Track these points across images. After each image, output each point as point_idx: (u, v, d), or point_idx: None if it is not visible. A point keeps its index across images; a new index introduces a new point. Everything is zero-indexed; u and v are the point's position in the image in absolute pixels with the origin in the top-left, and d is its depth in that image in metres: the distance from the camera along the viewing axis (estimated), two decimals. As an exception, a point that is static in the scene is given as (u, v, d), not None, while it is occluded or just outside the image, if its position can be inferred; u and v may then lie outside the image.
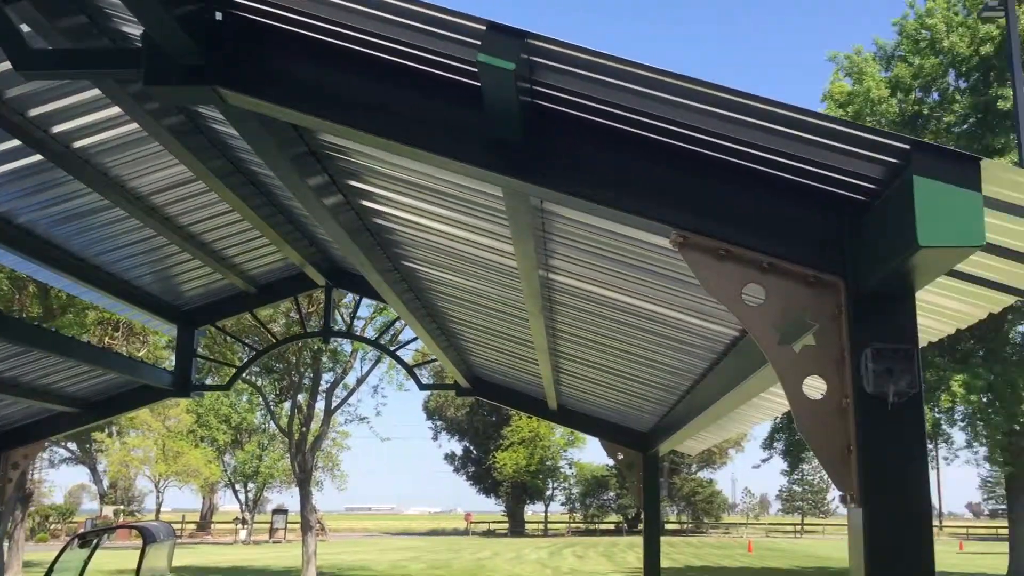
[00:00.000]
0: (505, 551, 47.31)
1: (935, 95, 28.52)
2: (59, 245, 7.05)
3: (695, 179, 3.00)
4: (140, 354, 22.77)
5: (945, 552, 53.89)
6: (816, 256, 2.86)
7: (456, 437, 75.69)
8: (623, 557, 42.51)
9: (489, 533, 73.70)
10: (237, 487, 59.94)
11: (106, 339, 24.13)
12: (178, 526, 60.28)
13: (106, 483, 59.03)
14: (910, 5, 29.21)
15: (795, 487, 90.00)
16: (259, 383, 27.51)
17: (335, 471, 53.06)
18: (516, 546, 53.02)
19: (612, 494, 74.37)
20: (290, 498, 69.13)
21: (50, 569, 9.81)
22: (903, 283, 2.66)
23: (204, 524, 69.32)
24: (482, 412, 70.04)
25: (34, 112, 5.15)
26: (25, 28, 3.74)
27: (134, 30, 4.12)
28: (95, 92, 4.84)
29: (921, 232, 2.32)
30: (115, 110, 5.08)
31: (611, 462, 10.91)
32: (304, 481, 25.73)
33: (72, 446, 49.98)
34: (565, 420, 10.78)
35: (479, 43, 2.74)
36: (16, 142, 5.31)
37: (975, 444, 30.70)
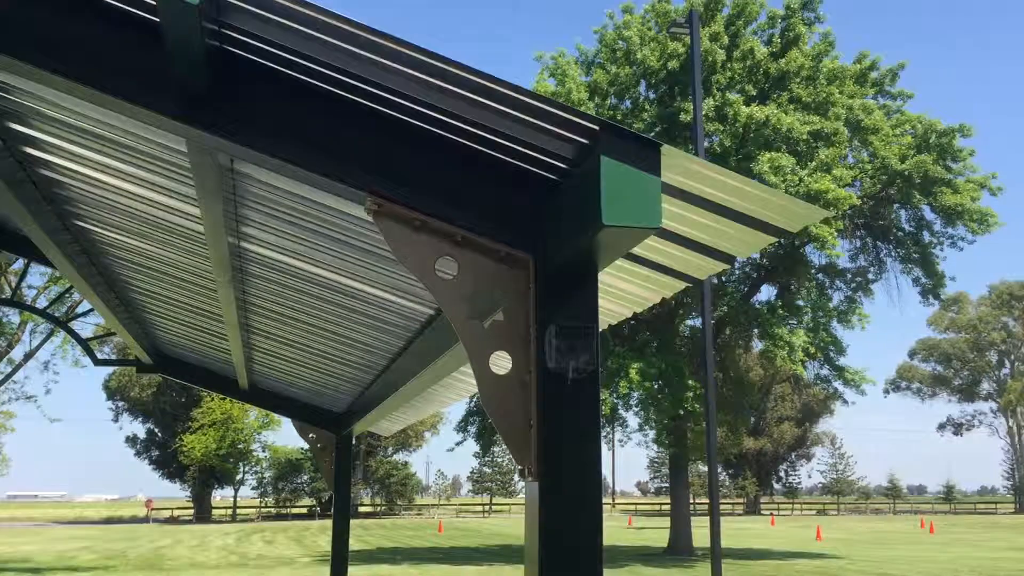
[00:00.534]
0: (188, 538, 45.09)
1: (627, 103, 30.72)
2: None
3: (393, 145, 2.90)
4: None
5: (616, 527, 58.60)
6: (508, 232, 2.87)
7: (140, 419, 71.12)
8: (314, 541, 42.05)
9: (172, 520, 69.97)
10: None
11: None
12: None
13: None
14: (610, 16, 31.26)
15: (485, 469, 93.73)
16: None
17: (-5, 455, 47.85)
18: (201, 533, 50.73)
19: (306, 477, 73.37)
20: (-62, 486, 61.53)
21: None
22: (587, 262, 2.72)
23: None
24: (171, 392, 66.32)
25: None
26: None
27: None
28: None
29: (605, 211, 2.37)
30: None
31: (307, 445, 10.69)
32: (-46, 467, 22.95)
33: None
34: (256, 400, 10.39)
35: (158, -30, 2.45)
36: None
37: (646, 427, 33.57)
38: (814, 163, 27.22)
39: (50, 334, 24.27)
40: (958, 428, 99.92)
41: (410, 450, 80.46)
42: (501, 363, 2.86)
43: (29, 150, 4.80)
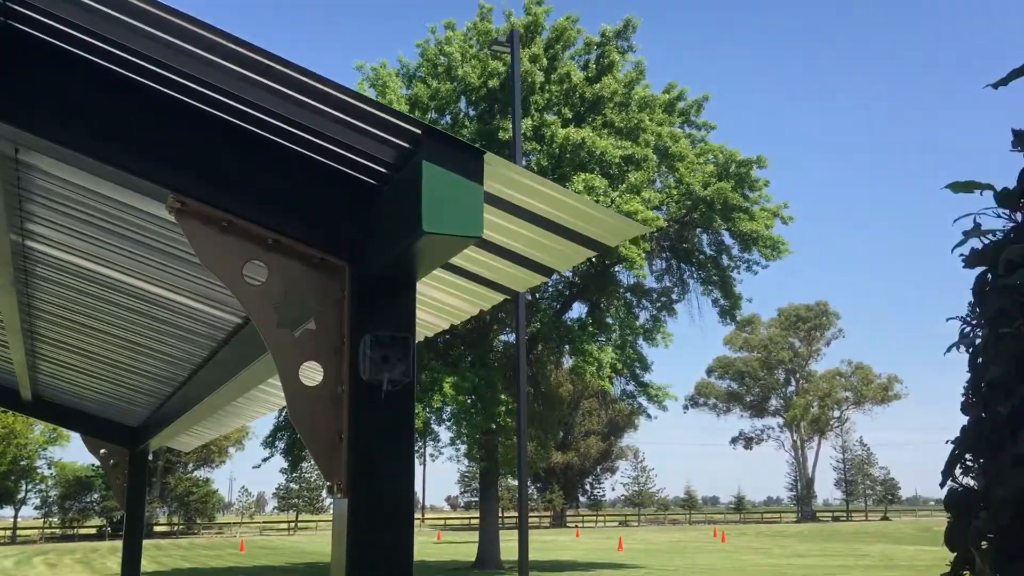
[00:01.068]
0: (-40, 564, 41.24)
1: (448, 118, 30.87)
2: None
3: (200, 140, 2.71)
4: None
5: (425, 542, 58.41)
6: (323, 236, 2.74)
7: (-94, 434, 64.54)
8: (103, 563, 39.45)
9: (-59, 545, 63.85)
10: None
11: None
12: None
13: None
14: (432, 31, 31.37)
15: (292, 485, 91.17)
16: None
17: None
18: (-26, 558, 46.55)
19: (97, 496, 68.84)
20: None
21: None
22: (406, 270, 2.64)
23: None
24: (-57, 405, 60.63)
25: None
26: None
27: None
28: None
29: (426, 218, 2.30)
30: None
31: (98, 462, 9.98)
32: None
33: None
34: (41, 413, 9.60)
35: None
36: None
37: (458, 441, 33.65)
38: (624, 185, 28.29)
39: None
40: (748, 442, 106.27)
41: (212, 466, 77.14)
42: (312, 374, 2.73)
43: None
